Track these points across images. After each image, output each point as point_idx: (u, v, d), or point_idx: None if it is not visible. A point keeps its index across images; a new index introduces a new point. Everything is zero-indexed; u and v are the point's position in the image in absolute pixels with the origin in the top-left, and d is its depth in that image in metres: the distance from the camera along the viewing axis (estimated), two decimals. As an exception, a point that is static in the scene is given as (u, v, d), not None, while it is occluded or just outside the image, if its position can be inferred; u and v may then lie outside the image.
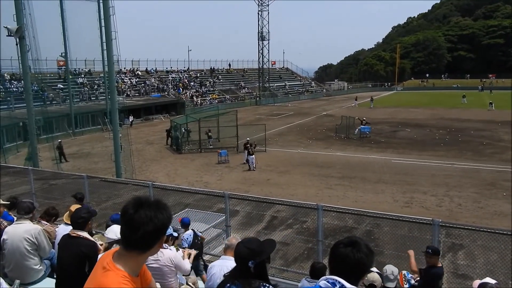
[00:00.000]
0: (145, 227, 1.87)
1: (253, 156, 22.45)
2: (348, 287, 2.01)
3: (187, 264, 4.82)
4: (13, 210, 6.53)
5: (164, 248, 4.76)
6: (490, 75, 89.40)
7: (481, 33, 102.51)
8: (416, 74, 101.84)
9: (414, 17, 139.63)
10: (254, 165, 22.32)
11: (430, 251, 5.86)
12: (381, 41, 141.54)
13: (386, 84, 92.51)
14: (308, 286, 2.32)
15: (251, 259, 2.59)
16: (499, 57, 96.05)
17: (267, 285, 2.59)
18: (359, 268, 2.11)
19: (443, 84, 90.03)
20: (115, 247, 2.12)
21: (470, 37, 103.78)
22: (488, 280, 4.14)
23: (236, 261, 2.72)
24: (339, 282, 2.03)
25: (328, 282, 2.07)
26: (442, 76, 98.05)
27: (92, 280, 1.96)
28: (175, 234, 5.33)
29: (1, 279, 3.72)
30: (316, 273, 5.38)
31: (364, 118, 34.89)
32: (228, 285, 2.62)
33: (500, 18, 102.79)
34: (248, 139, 24.68)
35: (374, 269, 4.99)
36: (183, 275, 5.10)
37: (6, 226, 5.41)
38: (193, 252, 5.31)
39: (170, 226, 5.22)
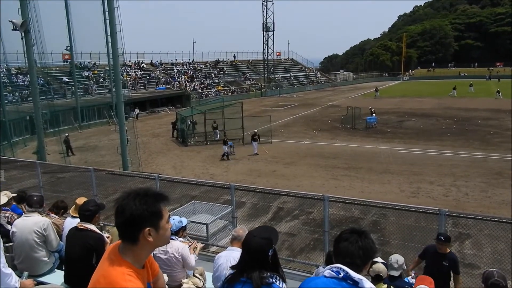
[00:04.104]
0: (118, 219, 1.91)
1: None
2: (353, 275, 2.03)
3: (192, 260, 4.84)
4: (22, 203, 6.60)
5: (174, 239, 4.79)
6: (498, 64, 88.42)
7: (488, 21, 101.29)
8: (423, 64, 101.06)
9: (421, 5, 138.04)
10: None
11: (442, 238, 5.97)
12: (387, 30, 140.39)
13: (405, 73, 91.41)
14: (313, 277, 2.34)
15: (270, 248, 2.60)
16: (507, 45, 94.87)
17: (276, 275, 2.59)
18: (366, 256, 2.14)
19: (450, 73, 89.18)
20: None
21: (478, 25, 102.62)
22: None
23: (252, 254, 2.65)
24: (344, 270, 2.06)
25: (332, 271, 2.09)
26: (449, 65, 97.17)
27: (99, 271, 1.98)
28: (184, 222, 5.31)
29: (11, 270, 3.76)
30: (331, 262, 5.38)
31: (371, 107, 34.87)
32: (239, 277, 2.63)
33: (508, 5, 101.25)
34: (255, 130, 24.78)
35: (379, 259, 5.00)
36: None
37: (15, 219, 5.48)
38: (199, 245, 5.33)
39: (181, 218, 5.24)
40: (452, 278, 6.13)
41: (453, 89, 52.85)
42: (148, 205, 1.92)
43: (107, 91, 44.78)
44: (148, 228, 1.91)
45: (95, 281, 1.95)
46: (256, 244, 2.62)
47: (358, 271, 2.07)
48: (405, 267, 5.66)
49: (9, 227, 5.44)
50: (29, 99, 34.67)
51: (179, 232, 5.11)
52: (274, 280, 2.54)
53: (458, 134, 27.74)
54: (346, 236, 2.17)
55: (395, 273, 5.24)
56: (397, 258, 5.36)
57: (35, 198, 5.30)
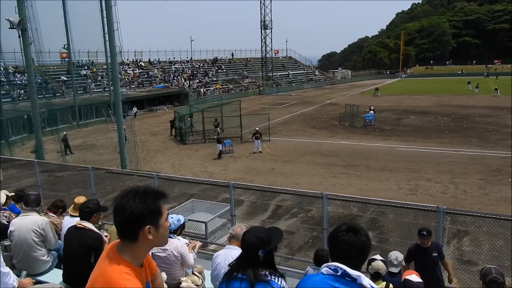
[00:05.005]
0: (118, 217, 1.91)
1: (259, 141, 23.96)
2: (351, 273, 2.02)
3: (191, 258, 4.84)
4: (20, 202, 6.59)
5: (172, 237, 4.78)
6: (496, 61, 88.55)
7: (486, 18, 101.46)
8: (421, 61, 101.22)
9: (419, 3, 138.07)
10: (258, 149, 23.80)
11: (425, 232, 6.20)
12: (385, 28, 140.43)
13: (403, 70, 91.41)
14: (311, 274, 2.34)
15: (260, 248, 2.59)
16: (505, 42, 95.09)
17: (274, 273, 2.60)
18: (363, 252, 2.13)
19: (447, 70, 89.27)
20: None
21: (476, 22, 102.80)
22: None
23: (243, 250, 2.70)
24: (341, 268, 2.05)
25: (330, 269, 2.09)
26: (447, 62, 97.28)
27: (97, 270, 1.98)
28: (182, 221, 5.29)
29: (9, 269, 3.76)
30: (320, 260, 5.43)
31: (371, 105, 35.01)
32: (236, 274, 2.63)
33: (506, 2, 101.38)
34: (257, 128, 24.86)
35: (378, 257, 5.00)
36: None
37: (13, 218, 5.46)
38: (198, 243, 5.33)
39: (180, 216, 5.23)
40: (441, 265, 6.45)
41: (476, 87, 52.48)
42: (148, 203, 1.92)
43: (102, 89, 44.84)
44: (148, 226, 1.92)
45: (93, 279, 1.94)
46: (247, 240, 2.66)
47: (355, 267, 2.06)
48: (404, 264, 5.70)
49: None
50: (20, 98, 34.75)
51: (178, 230, 5.10)
52: (273, 278, 2.54)
53: (456, 132, 27.79)
54: (342, 233, 2.15)
55: (395, 270, 5.26)
56: (396, 255, 5.39)
57: (32, 197, 5.28)
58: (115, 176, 15.41)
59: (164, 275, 4.24)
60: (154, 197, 1.96)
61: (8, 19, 18.49)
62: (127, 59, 56.32)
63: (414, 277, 4.59)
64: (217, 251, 5.02)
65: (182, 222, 5.19)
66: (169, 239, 4.71)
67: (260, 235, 2.65)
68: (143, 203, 1.91)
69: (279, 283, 2.54)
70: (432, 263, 6.25)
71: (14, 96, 35.61)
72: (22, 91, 36.67)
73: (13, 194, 6.91)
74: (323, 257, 5.43)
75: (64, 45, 35.97)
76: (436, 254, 6.24)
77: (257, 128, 24.79)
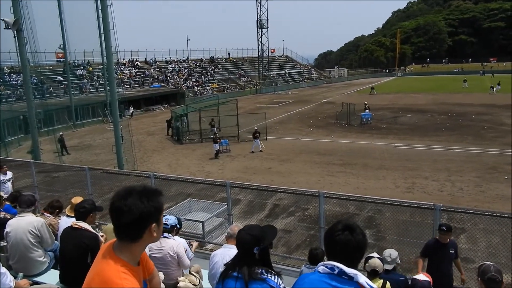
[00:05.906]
0: (124, 217, 1.88)
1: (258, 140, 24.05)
2: (347, 271, 2.02)
3: (187, 258, 4.84)
4: (16, 203, 6.56)
5: (168, 238, 4.78)
6: (492, 59, 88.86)
7: (482, 17, 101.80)
8: (417, 60, 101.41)
9: (414, 1, 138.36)
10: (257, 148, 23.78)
11: (444, 228, 6.19)
12: (381, 26, 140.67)
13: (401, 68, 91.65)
14: (308, 273, 2.33)
15: (254, 245, 2.59)
16: (500, 40, 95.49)
17: (270, 271, 2.60)
18: (360, 251, 2.13)
19: (443, 68, 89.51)
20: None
21: (471, 20, 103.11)
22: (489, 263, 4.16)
23: (238, 248, 2.71)
24: (338, 267, 2.04)
25: (326, 267, 2.08)
26: (443, 60, 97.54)
27: (93, 270, 1.97)
28: (179, 226, 5.30)
29: (5, 269, 3.74)
30: (314, 259, 5.45)
31: (366, 102, 35.07)
32: (231, 272, 2.63)
33: (501, 1, 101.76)
34: (256, 127, 24.84)
35: (375, 254, 5.02)
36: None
37: (9, 219, 5.44)
38: (195, 243, 5.33)
39: (175, 217, 5.23)
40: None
41: (496, 85, 52.09)
42: (153, 201, 1.94)
43: (96, 89, 44.66)
44: (154, 224, 1.94)
45: (90, 279, 1.94)
46: (241, 238, 2.67)
47: (352, 266, 2.06)
48: (399, 261, 5.72)
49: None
50: (9, 99, 34.58)
51: (173, 230, 5.10)
52: (269, 276, 2.54)
53: (453, 130, 27.86)
54: (338, 233, 2.13)
55: (389, 267, 5.31)
56: (390, 252, 5.44)
57: (24, 198, 5.26)
58: (112, 176, 15.37)
59: (161, 275, 4.24)
60: (156, 195, 1.98)
61: (3, 19, 18.40)
62: (123, 59, 56.17)
63: (421, 276, 4.63)
64: (215, 250, 5.03)
65: (179, 226, 5.20)
66: (165, 239, 4.75)
67: (253, 233, 2.66)
68: (150, 202, 1.92)
69: (275, 281, 2.54)
70: (448, 260, 6.30)
71: (3, 96, 35.39)
72: (12, 92, 36.50)
73: (7, 195, 6.89)
74: (318, 256, 5.46)
75: (60, 45, 35.85)
76: (453, 252, 6.28)
77: (255, 127, 24.77)
